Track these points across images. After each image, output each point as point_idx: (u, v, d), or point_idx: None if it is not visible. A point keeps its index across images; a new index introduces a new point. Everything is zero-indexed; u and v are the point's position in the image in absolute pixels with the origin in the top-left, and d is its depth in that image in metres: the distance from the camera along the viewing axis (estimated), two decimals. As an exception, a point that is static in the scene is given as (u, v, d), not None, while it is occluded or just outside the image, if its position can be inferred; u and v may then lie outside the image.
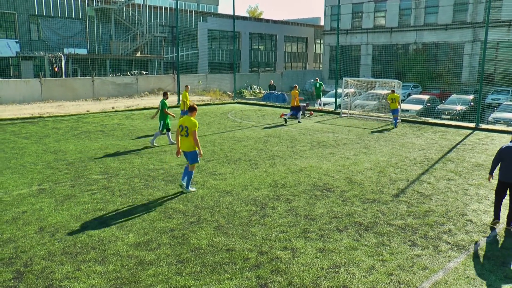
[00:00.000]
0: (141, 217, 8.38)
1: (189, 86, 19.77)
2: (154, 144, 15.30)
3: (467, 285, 6.08)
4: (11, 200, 9.27)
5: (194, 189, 10.11)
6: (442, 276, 6.30)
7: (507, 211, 8.28)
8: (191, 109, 9.75)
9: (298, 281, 6.09)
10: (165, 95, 15.75)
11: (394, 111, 20.49)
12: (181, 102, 18.35)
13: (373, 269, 6.45)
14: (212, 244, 7.22)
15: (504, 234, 7.92)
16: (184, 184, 9.91)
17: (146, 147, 14.95)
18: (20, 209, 8.74)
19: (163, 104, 15.33)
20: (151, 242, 7.28)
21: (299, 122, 21.68)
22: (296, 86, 22.58)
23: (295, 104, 21.60)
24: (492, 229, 8.11)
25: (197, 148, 9.64)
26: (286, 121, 21.24)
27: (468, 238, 7.67)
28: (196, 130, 9.49)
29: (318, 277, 6.20)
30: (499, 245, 7.43)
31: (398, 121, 20.82)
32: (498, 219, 8.30)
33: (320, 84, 27.43)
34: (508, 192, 8.30)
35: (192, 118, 9.58)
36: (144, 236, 7.50)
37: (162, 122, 15.27)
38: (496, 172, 8.76)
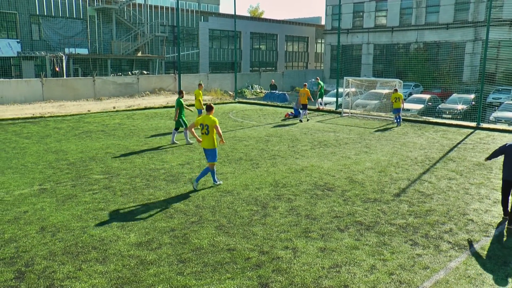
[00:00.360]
0: (142, 217, 8.39)
1: (202, 85, 19.97)
2: (189, 140, 15.66)
3: (468, 285, 6.08)
4: (12, 200, 9.29)
5: (196, 187, 10.25)
6: (443, 276, 6.30)
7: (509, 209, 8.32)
8: (209, 108, 10.21)
9: (299, 280, 6.10)
10: (181, 93, 16.02)
11: (397, 110, 20.61)
12: (195, 100, 18.56)
13: (374, 269, 6.45)
14: (213, 244, 7.22)
15: (505, 234, 7.91)
16: (218, 183, 10.46)
17: (147, 148, 14.97)
18: (22, 209, 8.76)
19: (178, 102, 15.56)
20: (152, 241, 7.29)
21: (300, 121, 21.75)
22: (305, 84, 23.21)
23: (306, 101, 22.12)
24: (494, 228, 8.10)
25: (216, 145, 10.17)
26: (308, 119, 22.04)
27: (469, 237, 7.66)
28: (218, 124, 10.03)
29: (319, 277, 6.20)
30: (500, 245, 7.42)
31: (400, 120, 20.94)
32: (507, 215, 8.43)
33: (322, 85, 27.59)
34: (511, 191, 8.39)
35: (211, 116, 10.09)
36: (145, 236, 7.51)
37: (181, 120, 15.56)
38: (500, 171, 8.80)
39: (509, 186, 8.33)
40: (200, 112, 18.46)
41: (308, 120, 22.16)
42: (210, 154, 10.19)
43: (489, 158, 8.97)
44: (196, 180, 10.21)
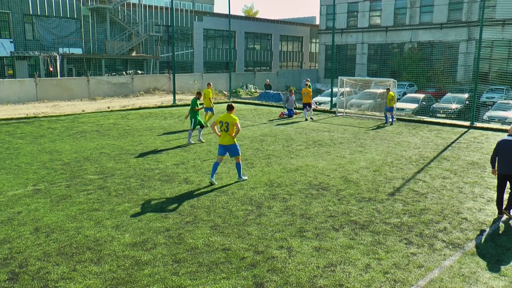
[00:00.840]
0: (137, 217, 8.36)
1: (211, 84, 20.21)
2: (191, 142, 15.68)
3: (462, 283, 6.11)
4: (6, 201, 9.23)
5: (246, 177, 11.02)
6: (438, 274, 6.33)
7: (507, 195, 8.72)
8: (230, 108, 10.79)
9: (294, 280, 6.10)
10: (198, 94, 16.11)
11: (392, 109, 20.85)
12: (205, 99, 18.72)
13: (369, 268, 6.47)
14: (208, 244, 7.22)
15: (498, 232, 7.96)
16: (214, 180, 10.64)
17: (142, 147, 14.93)
18: (15, 210, 8.71)
19: (193, 102, 15.65)
20: (147, 242, 7.27)
21: (311, 118, 22.47)
22: (307, 84, 23.49)
23: (308, 101, 22.56)
24: (488, 226, 8.15)
25: (235, 141, 10.68)
26: (306, 119, 22.34)
27: (463, 236, 7.70)
28: (238, 122, 10.63)
29: (314, 276, 6.21)
30: (494, 243, 7.47)
31: (394, 119, 21.29)
32: (502, 214, 8.60)
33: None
34: (508, 184, 8.67)
35: (231, 114, 10.64)
36: (140, 236, 7.49)
37: (193, 120, 15.63)
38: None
39: (505, 180, 8.48)
40: (207, 110, 18.47)
41: (306, 120, 22.28)
42: (232, 149, 10.64)
43: (493, 166, 8.77)
44: (239, 177, 10.86)
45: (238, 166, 10.83)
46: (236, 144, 10.69)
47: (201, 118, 15.99)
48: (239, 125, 10.58)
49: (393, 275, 6.26)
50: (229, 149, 10.65)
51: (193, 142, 15.68)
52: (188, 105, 28.56)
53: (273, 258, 6.72)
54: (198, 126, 15.76)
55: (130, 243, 7.22)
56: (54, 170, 11.82)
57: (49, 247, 7.02)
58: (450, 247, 7.25)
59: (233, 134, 10.51)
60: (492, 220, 8.51)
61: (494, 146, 8.76)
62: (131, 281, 6.03)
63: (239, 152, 10.79)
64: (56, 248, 7.01)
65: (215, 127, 10.84)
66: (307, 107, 22.51)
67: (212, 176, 10.61)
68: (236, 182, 10.78)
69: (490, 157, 8.85)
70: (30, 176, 11.15)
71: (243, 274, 6.23)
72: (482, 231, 7.94)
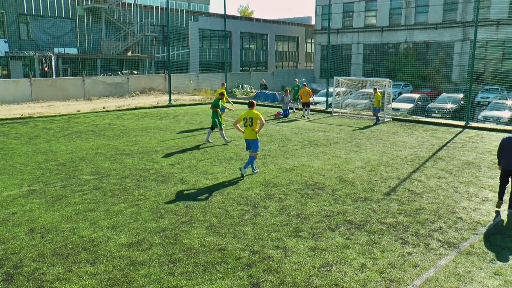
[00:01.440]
0: (133, 218, 8.34)
1: (225, 84, 20.45)
2: (227, 139, 15.81)
3: (457, 282, 6.13)
4: (0, 202, 9.18)
5: (258, 170, 11.68)
6: (433, 274, 6.35)
7: (509, 195, 9.16)
8: (251, 104, 11.42)
9: (290, 280, 6.11)
10: (220, 95, 16.24)
11: (378, 109, 21.08)
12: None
13: (365, 267, 6.48)
14: (204, 244, 7.21)
15: (493, 231, 8.00)
16: (244, 170, 11.22)
17: (137, 148, 14.89)
18: (10, 210, 8.66)
19: (214, 102, 15.78)
20: (143, 242, 7.26)
21: (308, 117, 22.85)
22: (305, 84, 23.83)
23: (307, 100, 23.14)
24: (483, 226, 8.19)
25: (258, 136, 11.33)
26: (303, 116, 23.28)
27: (458, 235, 7.73)
28: (262, 117, 11.25)
29: (310, 276, 6.22)
30: (489, 242, 7.50)
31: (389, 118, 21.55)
32: (502, 200, 9.08)
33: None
34: (510, 179, 9.13)
35: (253, 110, 11.29)
36: (135, 237, 7.47)
37: (215, 119, 15.70)
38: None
39: (508, 175, 8.99)
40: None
41: (303, 116, 22.82)
42: (254, 144, 11.29)
43: (499, 163, 9.25)
44: (244, 167, 11.21)
45: (251, 159, 11.33)
46: (258, 140, 11.35)
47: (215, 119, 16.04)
48: (263, 119, 11.16)
49: (389, 275, 6.28)
50: (252, 144, 11.28)
51: (229, 140, 15.83)
52: (184, 105, 28.56)
53: (269, 258, 6.72)
54: (218, 127, 15.78)
55: (126, 243, 7.20)
56: (49, 170, 11.78)
57: (44, 248, 6.99)
58: (446, 246, 7.28)
59: (257, 129, 11.18)
60: (487, 219, 8.55)
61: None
62: (127, 281, 6.01)
63: (259, 149, 11.51)
64: (51, 248, 6.98)
65: (238, 125, 11.50)
66: (306, 106, 22.88)
67: (253, 169, 11.57)
68: (233, 181, 10.78)
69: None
70: (25, 177, 11.10)
71: (239, 274, 6.23)
72: (477, 231, 7.98)
